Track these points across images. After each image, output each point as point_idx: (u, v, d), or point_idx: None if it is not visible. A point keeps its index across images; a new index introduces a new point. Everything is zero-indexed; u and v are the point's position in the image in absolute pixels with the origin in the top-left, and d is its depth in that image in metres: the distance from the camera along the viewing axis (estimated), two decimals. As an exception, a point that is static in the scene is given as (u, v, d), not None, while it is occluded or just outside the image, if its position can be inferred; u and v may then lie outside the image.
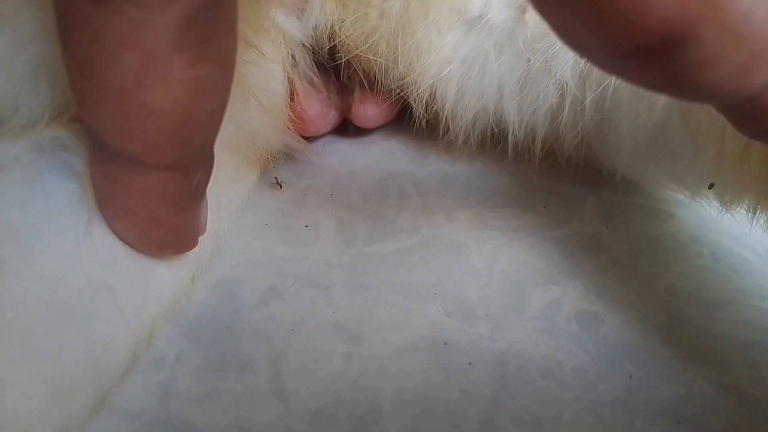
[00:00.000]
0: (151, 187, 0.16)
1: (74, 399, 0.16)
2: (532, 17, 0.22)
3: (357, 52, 0.25)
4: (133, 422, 0.17)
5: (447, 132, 0.26)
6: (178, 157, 0.15)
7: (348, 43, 0.25)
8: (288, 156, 0.27)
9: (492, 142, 0.26)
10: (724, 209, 0.20)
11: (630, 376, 0.19)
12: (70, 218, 0.17)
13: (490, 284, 0.22)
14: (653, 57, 0.10)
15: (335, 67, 0.27)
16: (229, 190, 0.22)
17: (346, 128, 0.28)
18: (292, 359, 0.19)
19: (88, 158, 0.17)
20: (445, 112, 0.25)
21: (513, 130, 0.25)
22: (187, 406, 0.17)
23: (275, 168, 0.26)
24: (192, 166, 0.16)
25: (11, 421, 0.14)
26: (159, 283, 0.19)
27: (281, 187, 0.25)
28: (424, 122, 0.26)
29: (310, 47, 0.25)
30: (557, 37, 0.11)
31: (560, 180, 0.26)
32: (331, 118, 0.27)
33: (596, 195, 0.26)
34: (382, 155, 0.28)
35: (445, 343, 0.19)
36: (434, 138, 0.27)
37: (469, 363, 0.19)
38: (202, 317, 0.20)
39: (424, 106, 0.25)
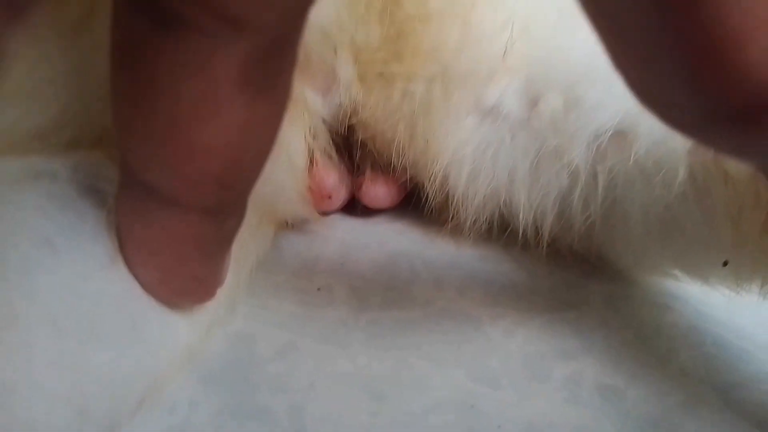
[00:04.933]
0: (182, 228, 0.15)
1: (88, 423, 0.14)
2: (546, 106, 0.24)
3: (375, 131, 0.26)
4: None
5: (455, 215, 0.27)
6: (216, 199, 0.14)
7: (368, 122, 0.26)
8: (296, 227, 0.27)
9: (499, 228, 0.27)
10: (736, 287, 0.21)
11: (660, 448, 0.18)
12: (99, 243, 0.16)
13: (509, 355, 0.21)
14: (748, 121, 0.10)
15: (348, 147, 0.28)
16: (248, 244, 0.22)
17: (353, 208, 0.29)
18: (314, 411, 0.18)
19: (117, 190, 0.16)
20: (457, 194, 0.26)
21: (523, 214, 0.25)
22: (203, 452, 0.16)
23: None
24: (226, 212, 0.15)
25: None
26: (175, 328, 0.18)
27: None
28: (433, 204, 0.27)
29: (329, 124, 0.26)
30: (637, 97, 0.11)
31: (563, 270, 0.27)
32: (342, 195, 0.28)
33: (599, 285, 0.26)
34: (390, 234, 0.28)
35: (472, 406, 0.19)
36: (440, 223, 0.28)
37: (498, 426, 0.18)
38: (217, 367, 0.19)
39: (436, 188, 0.26)
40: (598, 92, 0.23)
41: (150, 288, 0.16)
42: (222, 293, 0.18)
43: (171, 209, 0.14)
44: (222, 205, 0.15)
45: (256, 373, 0.19)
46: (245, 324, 0.21)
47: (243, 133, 0.14)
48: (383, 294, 0.23)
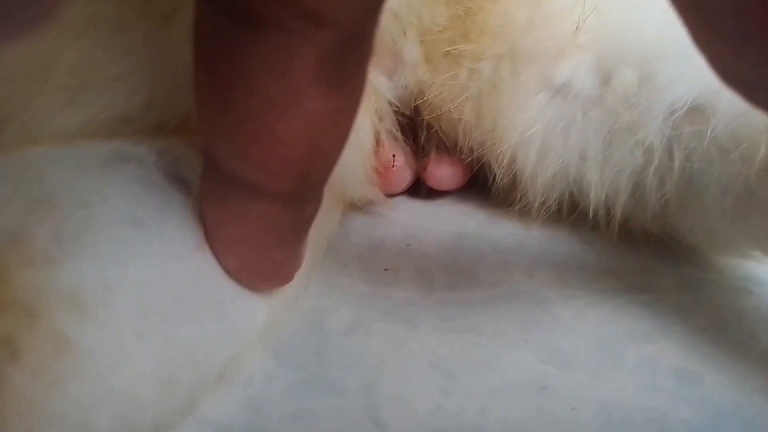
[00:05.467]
0: (263, 216, 0.15)
1: (173, 394, 0.15)
2: (619, 82, 0.23)
3: (442, 111, 0.26)
4: None
5: (523, 195, 0.26)
6: (296, 187, 0.15)
7: (434, 103, 0.26)
8: (362, 209, 0.27)
9: (568, 208, 0.26)
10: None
11: (741, 433, 0.18)
12: (186, 228, 0.16)
13: (581, 337, 0.21)
14: None
15: (414, 129, 0.28)
16: (320, 225, 0.22)
17: (417, 190, 0.29)
18: (385, 388, 0.18)
19: (200, 179, 0.17)
20: (525, 173, 0.26)
21: (594, 194, 0.25)
22: (278, 423, 0.17)
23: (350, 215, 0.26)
24: (306, 199, 0.16)
25: (121, 402, 0.13)
26: (255, 308, 0.18)
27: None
28: (499, 185, 0.27)
29: (395, 106, 0.26)
30: (718, 76, 0.11)
31: (636, 252, 0.26)
32: (407, 176, 0.28)
33: (673, 268, 0.25)
34: (454, 216, 0.28)
35: (544, 387, 0.19)
36: (506, 204, 0.27)
37: (573, 408, 0.18)
38: (288, 342, 0.19)
39: (504, 168, 0.26)
40: (673, 67, 0.22)
41: (233, 274, 0.17)
42: (299, 275, 0.19)
43: (253, 199, 0.15)
44: (301, 193, 0.15)
45: (328, 350, 0.19)
46: (315, 301, 0.21)
47: (320, 125, 0.14)
48: (449, 275, 0.23)
